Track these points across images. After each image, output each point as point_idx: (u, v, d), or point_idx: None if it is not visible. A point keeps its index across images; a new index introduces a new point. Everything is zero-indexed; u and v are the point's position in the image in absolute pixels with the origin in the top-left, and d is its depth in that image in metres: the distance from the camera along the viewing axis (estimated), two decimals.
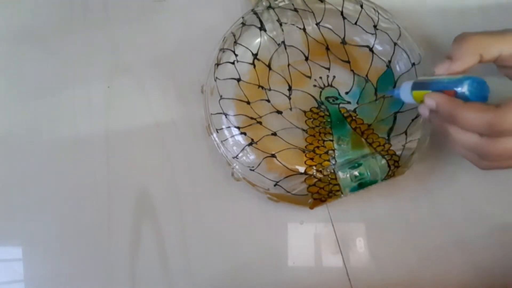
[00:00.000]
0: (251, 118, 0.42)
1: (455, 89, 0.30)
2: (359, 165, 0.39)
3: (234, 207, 0.42)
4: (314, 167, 0.40)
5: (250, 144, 0.41)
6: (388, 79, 0.42)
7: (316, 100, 0.43)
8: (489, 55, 0.32)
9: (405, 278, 0.39)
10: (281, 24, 0.43)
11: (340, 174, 0.39)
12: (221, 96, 0.42)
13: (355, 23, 0.43)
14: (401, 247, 0.40)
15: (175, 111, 0.45)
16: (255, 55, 0.43)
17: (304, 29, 0.44)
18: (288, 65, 0.43)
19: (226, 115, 0.42)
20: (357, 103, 0.42)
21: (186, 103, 0.45)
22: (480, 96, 0.30)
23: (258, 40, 0.44)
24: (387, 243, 0.40)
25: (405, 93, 0.35)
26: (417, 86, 0.33)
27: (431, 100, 0.31)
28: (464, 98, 0.30)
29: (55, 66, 0.47)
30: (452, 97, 0.30)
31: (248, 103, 0.42)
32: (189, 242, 0.41)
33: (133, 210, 0.42)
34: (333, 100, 0.42)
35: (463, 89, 0.30)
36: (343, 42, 0.43)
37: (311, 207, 0.39)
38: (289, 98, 0.43)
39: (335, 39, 0.43)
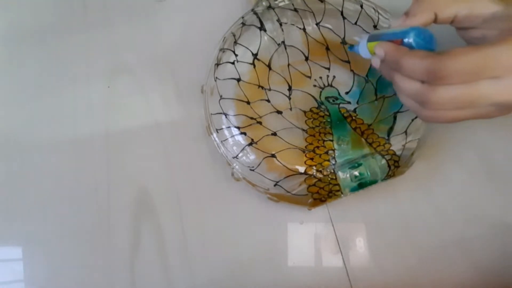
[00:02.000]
0: (251, 118, 0.42)
1: (403, 38, 0.31)
2: (359, 165, 0.39)
3: (234, 207, 0.42)
4: (314, 167, 0.40)
5: (250, 144, 0.41)
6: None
7: (316, 100, 0.43)
8: (444, 14, 0.33)
9: (405, 278, 0.39)
10: (281, 24, 0.43)
11: (340, 174, 0.39)
12: (221, 96, 0.42)
13: (355, 23, 0.43)
14: (401, 247, 0.40)
15: (175, 111, 0.45)
16: (255, 55, 0.43)
17: (304, 29, 0.44)
18: (288, 65, 0.43)
19: (226, 115, 0.42)
20: (357, 103, 0.42)
21: (186, 103, 0.45)
22: (426, 47, 0.31)
23: (258, 40, 0.44)
24: (387, 243, 0.40)
25: (363, 47, 0.35)
26: (371, 38, 0.34)
27: (380, 48, 0.32)
28: (410, 48, 0.31)
29: (55, 66, 0.47)
30: (398, 45, 0.31)
31: (248, 103, 0.42)
32: (189, 242, 0.41)
33: (133, 210, 0.42)
34: (333, 100, 0.42)
35: (410, 39, 0.31)
36: (343, 42, 0.43)
37: (311, 207, 0.39)
38: (289, 98, 0.43)
39: (335, 39, 0.43)
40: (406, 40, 0.31)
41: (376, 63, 0.34)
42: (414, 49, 0.30)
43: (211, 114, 0.41)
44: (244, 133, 0.41)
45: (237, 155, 0.40)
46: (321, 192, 0.39)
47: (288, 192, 0.39)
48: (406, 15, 0.34)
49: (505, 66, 0.27)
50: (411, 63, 0.30)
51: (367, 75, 0.42)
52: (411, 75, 0.30)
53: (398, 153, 0.39)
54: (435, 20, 0.33)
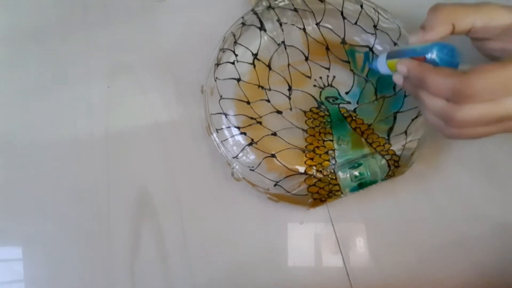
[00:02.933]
0: (251, 118, 0.42)
1: (425, 55, 0.31)
2: (359, 165, 0.39)
3: (234, 207, 0.42)
4: (314, 167, 0.40)
5: (250, 144, 0.41)
6: (388, 78, 0.42)
7: (316, 100, 0.43)
8: (461, 26, 0.32)
9: (405, 278, 0.39)
10: (281, 24, 0.43)
11: (340, 174, 0.39)
12: (221, 96, 0.42)
13: (355, 23, 0.43)
14: (401, 247, 0.40)
15: (175, 111, 0.45)
16: (255, 55, 0.43)
17: (304, 29, 0.44)
18: (288, 65, 0.43)
19: (226, 115, 0.42)
20: (357, 103, 0.42)
21: (186, 103, 0.45)
22: (450, 62, 0.30)
23: (258, 40, 0.44)
24: (387, 243, 0.40)
25: (382, 64, 0.35)
26: (391, 55, 0.34)
27: (403, 66, 0.32)
28: (434, 64, 0.30)
29: (55, 66, 0.47)
30: (422, 62, 0.31)
31: (248, 103, 0.42)
32: (189, 242, 0.41)
33: (133, 210, 0.42)
34: (333, 100, 0.42)
35: (433, 55, 0.30)
36: (343, 42, 0.43)
37: (311, 207, 0.39)
38: (289, 98, 0.43)
39: (335, 39, 0.43)
40: (429, 56, 0.30)
41: (398, 80, 0.33)
42: (438, 65, 0.30)
43: (211, 114, 0.41)
44: (244, 133, 0.41)
45: (237, 155, 0.40)
46: (321, 192, 0.39)
47: (288, 192, 0.39)
48: (423, 29, 0.33)
49: None
50: (436, 81, 0.29)
51: (367, 75, 0.42)
52: (436, 93, 0.30)
53: (398, 153, 0.39)
54: (452, 31, 0.33)
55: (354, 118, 0.41)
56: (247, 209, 0.41)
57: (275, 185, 0.40)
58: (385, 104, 0.41)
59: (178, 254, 0.41)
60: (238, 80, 0.43)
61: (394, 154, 0.39)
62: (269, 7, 0.43)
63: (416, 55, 0.31)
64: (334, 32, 0.43)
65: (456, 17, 0.32)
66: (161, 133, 0.44)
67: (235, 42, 0.43)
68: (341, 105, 0.42)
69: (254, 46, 0.43)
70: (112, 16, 0.48)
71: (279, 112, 0.42)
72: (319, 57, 0.43)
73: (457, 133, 0.30)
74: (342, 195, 0.39)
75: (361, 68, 0.43)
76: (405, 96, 0.41)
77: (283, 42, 0.43)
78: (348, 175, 0.39)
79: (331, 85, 0.43)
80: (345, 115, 0.42)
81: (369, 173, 0.39)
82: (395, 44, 0.41)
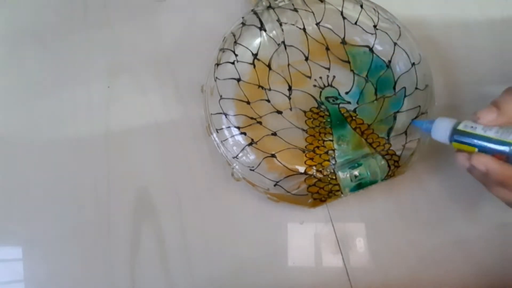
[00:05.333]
0: (251, 118, 0.42)
1: (506, 152, 0.29)
2: (359, 165, 0.39)
3: (234, 207, 0.42)
4: (314, 167, 0.40)
5: (250, 144, 0.41)
6: (388, 79, 0.42)
7: (316, 100, 0.42)
8: None
9: (405, 278, 0.39)
10: (281, 24, 0.43)
11: (340, 174, 0.39)
12: (221, 96, 0.42)
13: (355, 23, 0.43)
14: (401, 247, 0.40)
15: (175, 111, 0.45)
16: (255, 55, 0.43)
17: (304, 29, 0.43)
18: (288, 65, 0.43)
19: (226, 115, 0.42)
20: (357, 103, 0.42)
21: (186, 103, 0.45)
22: None
23: (258, 40, 0.44)
24: (387, 243, 0.40)
25: (440, 133, 0.32)
26: (458, 136, 0.31)
27: (482, 165, 0.30)
28: None
29: (55, 66, 0.47)
30: (504, 163, 0.29)
31: (248, 103, 0.42)
32: (189, 242, 0.41)
33: (133, 210, 0.42)
34: (333, 100, 0.42)
35: None
36: (343, 42, 0.43)
37: (311, 207, 0.39)
38: (289, 98, 0.43)
39: (335, 39, 0.43)
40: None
41: (464, 165, 0.31)
42: None
43: (211, 114, 0.41)
44: (244, 133, 0.41)
45: (237, 155, 0.40)
46: (321, 192, 0.39)
47: (288, 192, 0.39)
48: (496, 107, 0.30)
49: None
50: None
51: (367, 75, 0.42)
52: None
53: (398, 153, 0.39)
54: None
55: (354, 118, 0.41)
56: (247, 209, 0.41)
57: (275, 185, 0.40)
58: (385, 104, 0.41)
59: (178, 254, 0.41)
60: (238, 80, 0.43)
61: (394, 154, 0.39)
62: (269, 7, 0.43)
63: (495, 150, 0.29)
64: (334, 32, 0.43)
65: None
66: (161, 133, 0.44)
67: (235, 42, 0.43)
68: (341, 105, 0.42)
69: (254, 46, 0.43)
70: (112, 16, 0.48)
71: (279, 112, 0.42)
72: (319, 57, 0.43)
73: None
74: (342, 195, 0.39)
75: (377, 87, 0.41)
76: (405, 96, 0.41)
77: (283, 42, 0.43)
78: (348, 175, 0.39)
79: (331, 85, 0.43)
80: (345, 115, 0.42)
81: (369, 173, 0.39)
82: (395, 44, 0.41)
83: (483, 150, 0.30)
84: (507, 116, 0.30)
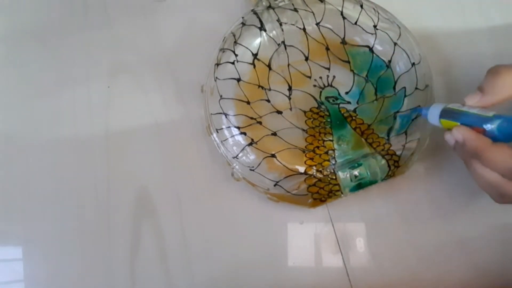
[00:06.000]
0: (251, 118, 0.42)
1: (485, 127, 0.30)
2: (359, 165, 0.39)
3: (234, 207, 0.42)
4: (314, 167, 0.40)
5: (250, 144, 0.41)
6: (388, 79, 0.42)
7: (316, 100, 0.43)
8: None
9: (405, 278, 0.39)
10: (281, 24, 0.43)
11: (340, 174, 0.39)
12: (221, 96, 0.42)
13: (355, 23, 0.43)
14: (401, 247, 0.40)
15: (175, 111, 0.45)
16: (255, 55, 0.43)
17: (304, 29, 0.44)
18: (288, 65, 0.43)
19: (226, 115, 0.42)
20: (357, 103, 0.42)
21: (186, 103, 0.45)
22: (509, 134, 0.29)
23: (258, 40, 0.44)
24: (387, 243, 0.40)
25: (433, 115, 0.34)
26: (446, 114, 0.33)
27: (459, 134, 0.31)
28: (492, 137, 0.30)
29: (55, 66, 0.47)
30: (481, 134, 0.30)
31: (248, 103, 0.42)
32: (189, 242, 0.41)
33: (133, 210, 0.42)
34: (333, 100, 0.42)
35: (493, 128, 0.30)
36: (343, 42, 0.43)
37: (311, 207, 0.39)
38: (289, 98, 0.43)
39: (335, 39, 0.43)
40: (489, 128, 0.30)
41: (449, 141, 0.33)
42: (497, 138, 0.30)
43: (211, 114, 0.41)
44: (244, 133, 0.41)
45: (237, 155, 0.40)
46: (321, 192, 0.39)
47: (288, 192, 0.39)
48: (481, 91, 0.32)
49: None
50: (494, 159, 0.29)
51: (367, 75, 0.42)
52: (493, 168, 0.30)
53: (398, 153, 0.39)
54: None
55: (354, 118, 0.41)
56: (247, 209, 0.41)
57: (275, 185, 0.40)
58: (385, 104, 0.41)
59: (178, 254, 0.41)
60: (238, 80, 0.43)
61: (394, 154, 0.39)
62: (269, 7, 0.43)
63: (475, 124, 0.31)
64: (334, 32, 0.43)
65: None
66: (161, 133, 0.44)
67: (235, 42, 0.43)
68: (341, 105, 0.42)
69: (254, 46, 0.43)
70: (112, 16, 0.48)
71: (279, 112, 0.42)
72: (319, 57, 0.43)
73: (509, 202, 0.31)
74: (342, 195, 0.39)
75: (377, 87, 0.42)
76: (405, 96, 0.41)
77: (283, 42, 0.43)
78: (348, 175, 0.39)
79: (331, 85, 0.43)
80: (345, 115, 0.42)
81: (369, 173, 0.39)
82: (395, 44, 0.41)
83: (465, 125, 0.31)
84: (490, 95, 0.32)
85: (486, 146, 0.30)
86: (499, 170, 0.30)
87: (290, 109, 0.42)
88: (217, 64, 0.42)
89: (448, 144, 0.33)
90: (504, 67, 0.32)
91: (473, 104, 0.32)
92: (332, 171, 0.40)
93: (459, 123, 0.32)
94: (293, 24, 0.44)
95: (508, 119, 0.29)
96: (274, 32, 0.44)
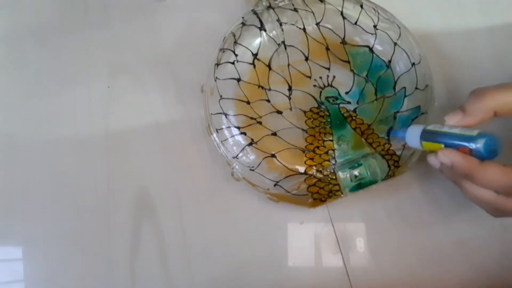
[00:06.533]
0: (251, 118, 0.42)
1: (470, 147, 0.30)
2: (359, 165, 0.39)
3: (234, 207, 0.42)
4: (314, 167, 0.40)
5: (250, 144, 0.41)
6: (388, 79, 0.42)
7: (316, 100, 0.43)
8: (504, 112, 0.32)
9: (405, 278, 0.39)
10: (281, 24, 0.43)
11: (340, 174, 0.39)
12: (221, 96, 0.42)
13: (355, 23, 0.43)
14: (401, 247, 0.40)
15: (175, 111, 0.45)
16: (255, 55, 0.43)
17: (304, 29, 0.44)
18: (288, 65, 0.43)
19: (226, 115, 0.42)
20: (357, 103, 0.42)
21: (186, 103, 0.45)
22: (493, 151, 0.30)
23: (258, 40, 0.44)
24: (387, 243, 0.40)
25: (412, 138, 0.34)
26: (427, 136, 0.33)
27: (446, 158, 0.31)
28: (478, 155, 0.30)
29: (55, 66, 0.47)
30: (467, 155, 0.30)
31: (248, 103, 0.42)
32: (189, 242, 0.41)
33: (133, 210, 0.42)
34: (333, 100, 0.42)
35: (479, 147, 0.29)
36: (343, 42, 0.43)
37: (311, 207, 0.39)
38: (289, 98, 0.43)
39: (335, 39, 0.43)
40: (474, 148, 0.30)
41: (434, 164, 0.32)
42: (483, 157, 0.29)
43: (211, 114, 0.41)
44: (244, 133, 0.41)
45: (237, 155, 0.40)
46: (321, 192, 0.39)
47: (288, 192, 0.39)
48: (462, 111, 0.32)
49: None
50: (486, 178, 0.29)
51: (367, 75, 0.42)
52: (485, 187, 0.30)
53: (398, 153, 0.39)
54: (494, 115, 0.32)
55: (354, 118, 0.41)
56: (247, 209, 0.41)
57: (275, 185, 0.40)
58: (385, 104, 0.41)
59: (178, 254, 0.41)
60: (238, 80, 0.43)
61: (394, 154, 0.39)
62: (269, 7, 0.43)
63: (459, 145, 0.30)
64: (334, 32, 0.43)
65: (499, 104, 0.31)
66: (161, 133, 0.44)
67: (235, 42, 0.43)
68: (341, 105, 0.42)
69: (254, 46, 0.43)
70: (112, 16, 0.48)
71: (279, 112, 0.42)
72: (319, 57, 0.43)
73: (507, 216, 0.31)
74: (342, 195, 0.39)
75: (377, 87, 0.41)
76: (405, 96, 0.41)
77: (283, 42, 0.43)
78: (348, 175, 0.39)
79: (331, 85, 0.43)
80: (345, 115, 0.42)
81: (369, 173, 0.39)
82: (395, 44, 0.41)
83: (449, 146, 0.31)
84: (472, 116, 0.32)
85: (475, 167, 0.30)
86: (492, 188, 0.30)
87: (290, 109, 0.42)
88: (217, 64, 0.42)
89: (434, 166, 0.33)
90: (488, 90, 0.32)
91: (454, 123, 0.32)
92: (332, 171, 0.40)
93: (443, 145, 0.31)
94: (293, 24, 0.44)
95: (493, 137, 0.30)
96: (274, 32, 0.44)
